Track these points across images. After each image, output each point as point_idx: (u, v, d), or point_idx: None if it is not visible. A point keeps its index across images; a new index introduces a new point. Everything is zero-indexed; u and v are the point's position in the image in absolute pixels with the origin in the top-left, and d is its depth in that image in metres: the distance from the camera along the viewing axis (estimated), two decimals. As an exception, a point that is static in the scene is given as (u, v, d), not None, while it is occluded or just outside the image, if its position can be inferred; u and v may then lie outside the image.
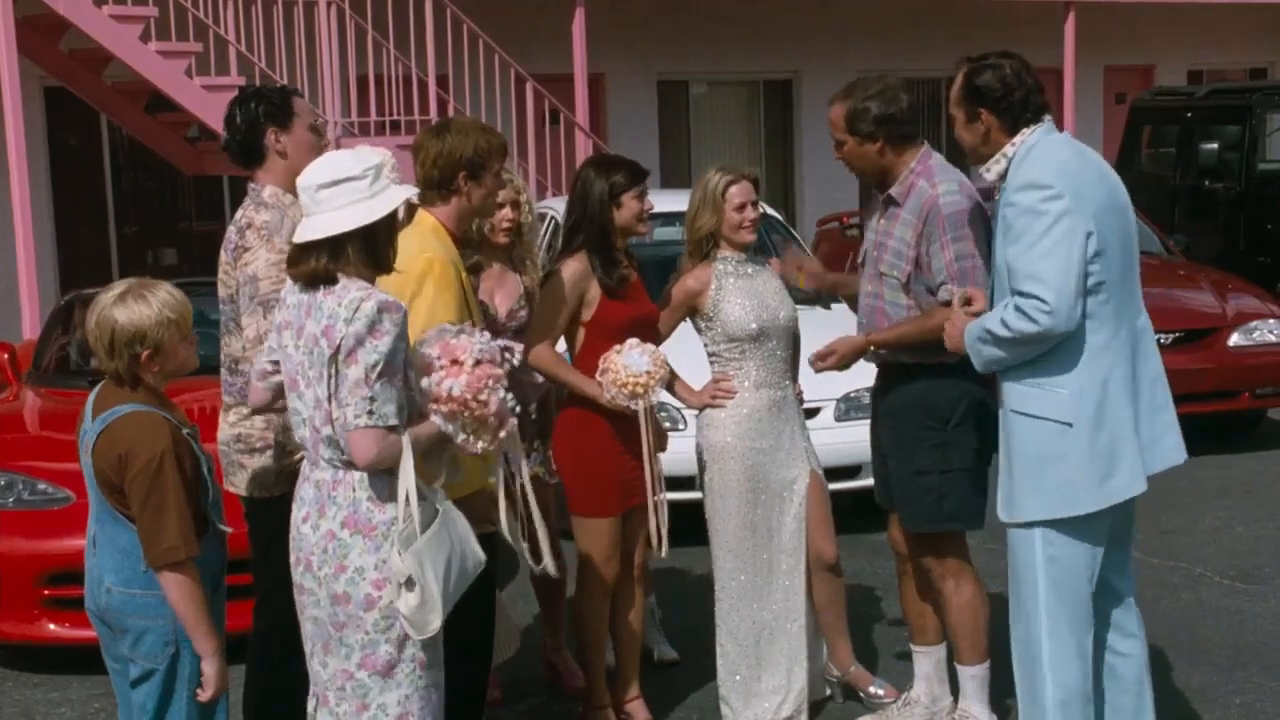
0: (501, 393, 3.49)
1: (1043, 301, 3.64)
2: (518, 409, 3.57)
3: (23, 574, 5.52)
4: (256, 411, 3.77)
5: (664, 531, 4.64)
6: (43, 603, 5.53)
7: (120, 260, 13.66)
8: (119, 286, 3.52)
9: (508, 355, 3.58)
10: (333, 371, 3.31)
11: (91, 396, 3.58)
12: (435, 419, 3.44)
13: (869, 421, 4.76)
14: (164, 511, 3.38)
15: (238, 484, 4.14)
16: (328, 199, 3.36)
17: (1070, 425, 3.74)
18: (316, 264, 3.36)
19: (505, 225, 4.89)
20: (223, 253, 4.17)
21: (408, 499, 3.35)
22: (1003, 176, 3.88)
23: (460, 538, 3.47)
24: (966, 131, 3.95)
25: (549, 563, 4.07)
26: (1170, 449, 3.92)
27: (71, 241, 13.50)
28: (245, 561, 4.18)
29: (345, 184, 3.36)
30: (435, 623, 3.37)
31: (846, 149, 4.44)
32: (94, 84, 11.47)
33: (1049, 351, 3.74)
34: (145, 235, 14.25)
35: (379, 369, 3.28)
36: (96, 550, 3.54)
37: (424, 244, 3.92)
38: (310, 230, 3.37)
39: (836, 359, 4.51)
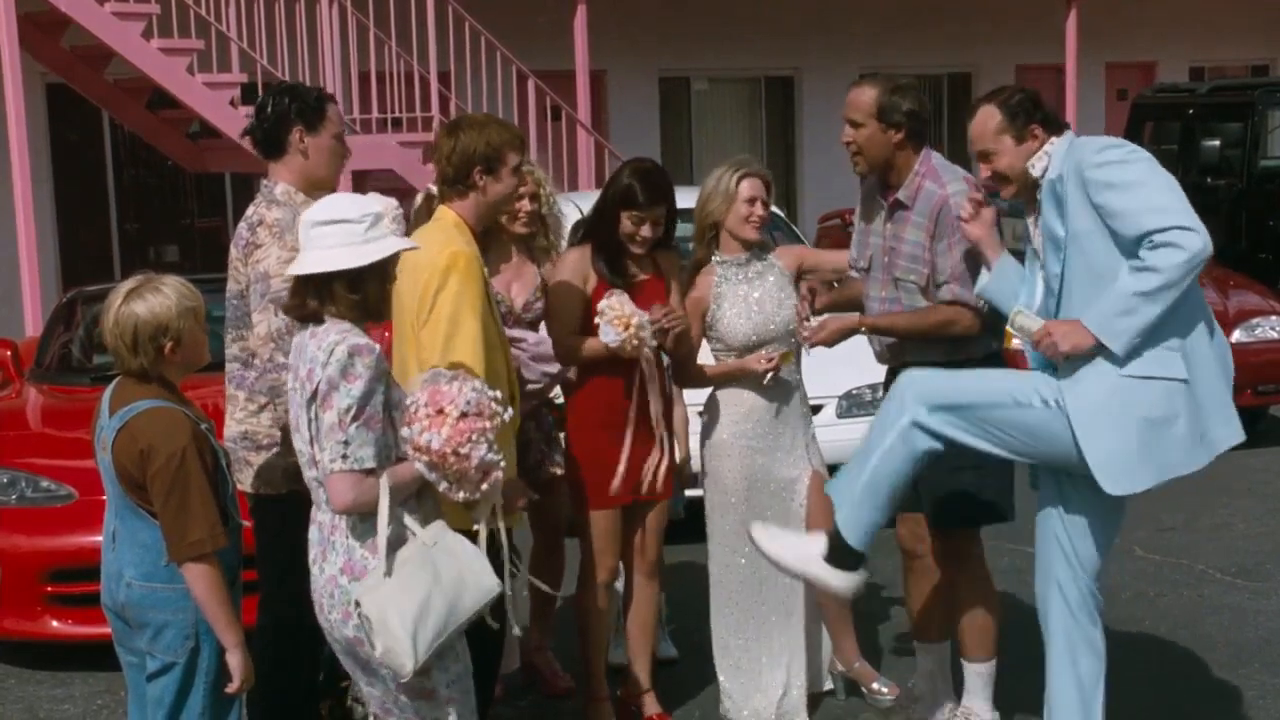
0: (484, 448, 3.39)
1: (1182, 228, 3.66)
2: (503, 464, 3.47)
3: (26, 571, 5.53)
4: None
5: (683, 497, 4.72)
6: (46, 599, 5.54)
7: (122, 256, 13.68)
8: (128, 284, 3.52)
9: (500, 410, 3.47)
10: (312, 415, 3.32)
11: (108, 393, 3.59)
12: (418, 465, 3.39)
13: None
14: (188, 506, 3.40)
15: (243, 480, 4.14)
16: (319, 237, 3.37)
17: (1186, 381, 3.77)
18: (305, 302, 3.39)
19: (523, 215, 4.91)
20: (233, 248, 4.18)
21: (383, 545, 3.31)
22: (1045, 171, 3.92)
23: (460, 569, 3.41)
24: (1016, 155, 3.95)
25: (512, 620, 3.84)
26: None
27: (73, 238, 13.51)
28: (249, 558, 4.19)
29: (339, 225, 3.36)
30: (407, 666, 3.30)
31: (865, 132, 4.40)
32: (96, 80, 11.48)
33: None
34: (147, 232, 14.27)
35: (353, 413, 3.28)
36: (116, 545, 3.56)
37: (448, 238, 3.93)
38: (300, 265, 3.39)
39: (826, 335, 4.54)
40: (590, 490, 4.64)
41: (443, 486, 3.42)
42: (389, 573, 3.32)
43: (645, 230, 4.58)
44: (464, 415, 3.37)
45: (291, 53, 10.75)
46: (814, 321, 4.62)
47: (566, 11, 12.35)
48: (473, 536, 3.54)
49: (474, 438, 3.37)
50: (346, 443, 3.28)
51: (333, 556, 3.40)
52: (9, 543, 5.58)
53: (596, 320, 4.51)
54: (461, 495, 3.44)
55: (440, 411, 3.37)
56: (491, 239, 4.78)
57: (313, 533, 3.49)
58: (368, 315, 3.45)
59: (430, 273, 3.81)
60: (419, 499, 3.46)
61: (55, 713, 5.32)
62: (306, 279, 3.38)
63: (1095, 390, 3.78)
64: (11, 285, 10.26)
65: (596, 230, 4.65)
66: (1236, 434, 3.89)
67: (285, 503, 3.98)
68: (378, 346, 3.39)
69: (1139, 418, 3.77)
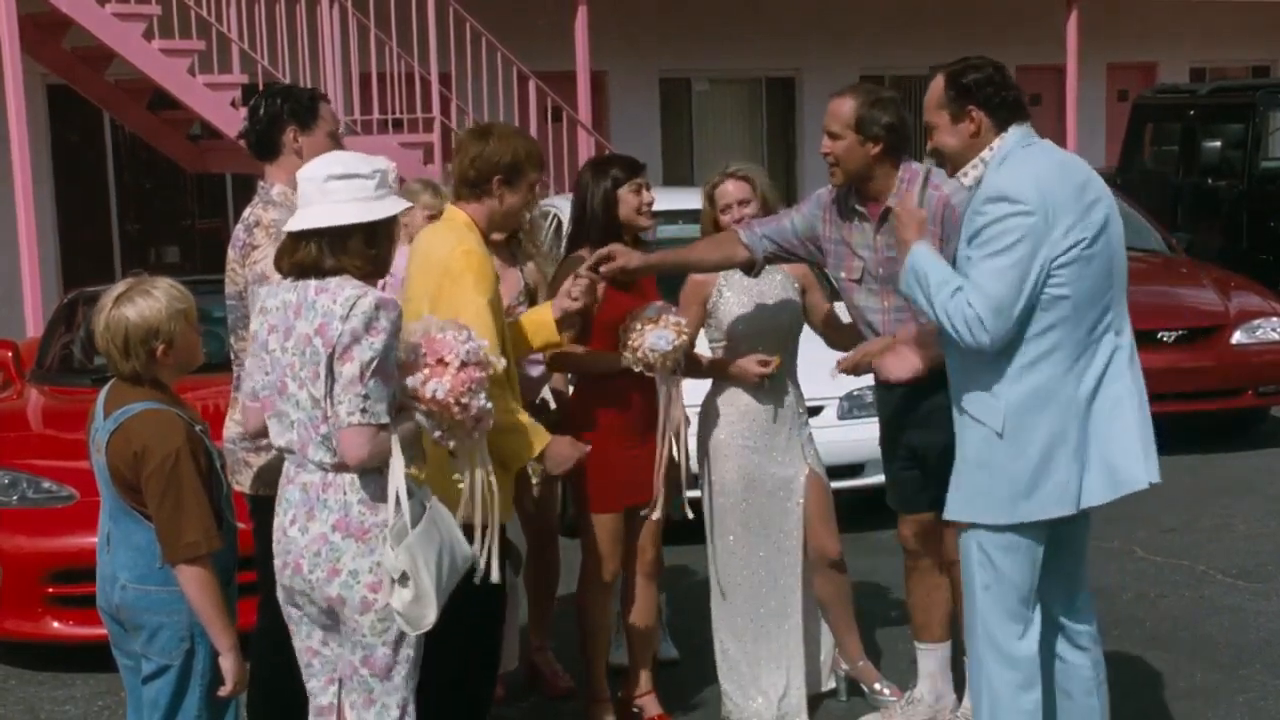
0: (482, 397, 3.49)
1: (981, 320, 3.60)
2: (492, 413, 3.57)
3: (27, 572, 5.53)
4: (254, 436, 3.76)
5: (683, 496, 4.68)
6: (47, 600, 5.53)
7: (122, 257, 13.67)
8: (119, 287, 3.53)
9: (494, 358, 3.57)
10: (329, 370, 3.31)
11: (102, 395, 3.59)
12: (417, 415, 3.45)
13: (874, 422, 4.73)
14: (182, 507, 3.39)
15: (243, 481, 4.15)
16: (335, 190, 3.37)
17: (1000, 435, 3.70)
18: (315, 252, 3.37)
19: None
20: (230, 250, 4.18)
21: (397, 496, 3.35)
22: (979, 182, 3.80)
23: (448, 533, 3.47)
24: (952, 134, 3.83)
25: (494, 573, 3.80)
26: (1132, 473, 3.77)
27: (74, 239, 13.51)
28: (249, 559, 4.19)
29: (355, 179, 3.38)
30: (430, 617, 3.37)
31: (844, 144, 4.38)
32: (97, 81, 11.48)
33: (998, 357, 3.69)
34: (148, 233, 14.27)
35: (374, 367, 3.28)
36: (110, 548, 3.56)
37: (460, 237, 3.96)
38: (312, 218, 3.37)
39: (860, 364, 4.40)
40: (594, 493, 4.63)
41: (436, 435, 3.49)
42: (412, 525, 3.35)
43: (647, 194, 4.64)
44: (464, 365, 3.45)
45: (292, 54, 10.75)
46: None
47: (567, 12, 12.35)
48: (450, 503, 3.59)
49: (473, 387, 3.45)
50: (366, 396, 3.28)
51: (323, 514, 3.38)
52: (10, 543, 5.58)
53: (635, 326, 4.47)
54: (452, 444, 3.53)
55: (441, 361, 3.44)
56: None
57: (292, 494, 3.45)
58: (377, 270, 3.47)
59: (441, 271, 3.83)
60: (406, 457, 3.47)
61: (56, 713, 5.32)
62: (315, 233, 3.37)
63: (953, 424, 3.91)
64: (12, 286, 10.26)
65: (590, 232, 4.62)
66: (1054, 506, 3.73)
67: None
68: (399, 302, 3.41)
69: (962, 455, 3.83)
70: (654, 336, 4.45)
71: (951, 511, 3.89)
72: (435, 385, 3.41)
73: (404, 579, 3.33)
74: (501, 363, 3.66)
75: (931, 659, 4.76)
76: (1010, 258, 3.61)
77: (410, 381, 3.43)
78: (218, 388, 4.29)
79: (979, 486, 3.78)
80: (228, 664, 3.48)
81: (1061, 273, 3.64)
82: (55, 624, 5.54)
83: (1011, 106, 3.80)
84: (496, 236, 4.82)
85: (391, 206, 3.43)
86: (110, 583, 3.55)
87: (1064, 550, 3.93)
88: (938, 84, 3.87)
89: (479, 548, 3.72)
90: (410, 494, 3.38)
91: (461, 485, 3.70)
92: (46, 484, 5.75)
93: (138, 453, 3.42)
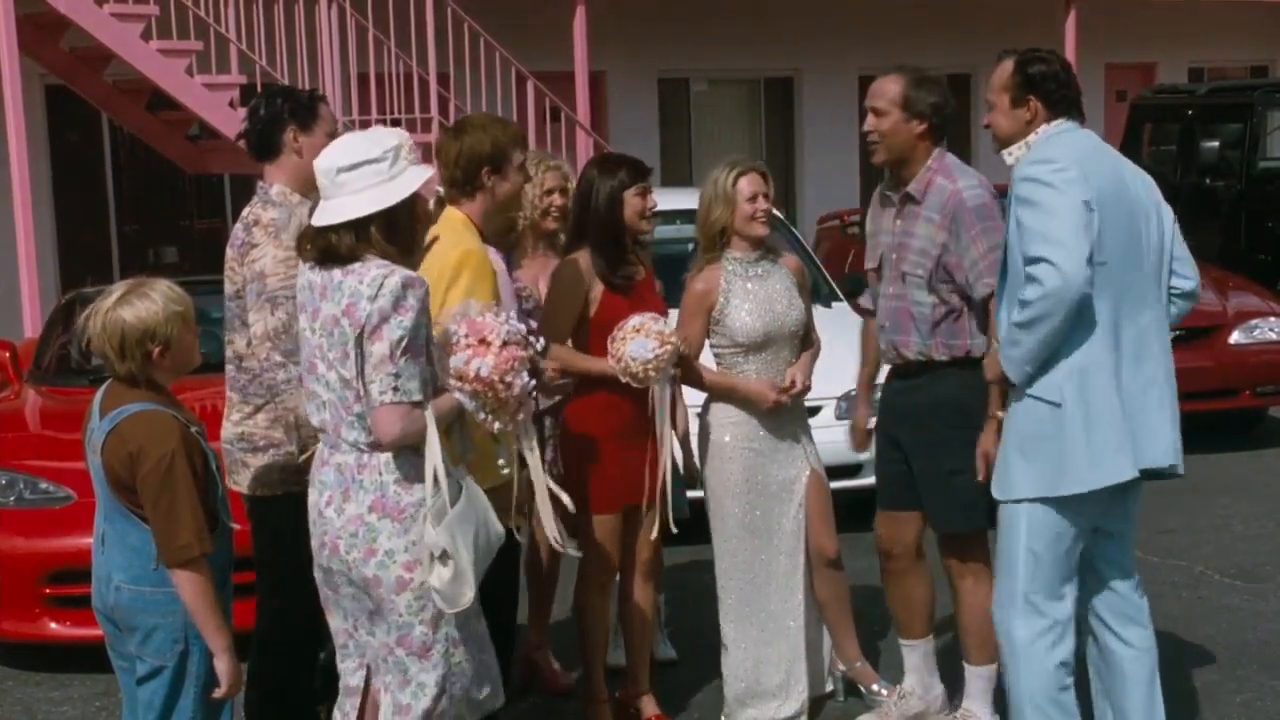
0: (525, 376, 3.53)
1: (1050, 263, 3.65)
2: (536, 394, 3.60)
3: (24, 573, 5.53)
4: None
5: (669, 513, 4.64)
6: (44, 601, 5.53)
7: (121, 258, 13.66)
8: (118, 289, 3.53)
9: (532, 339, 3.61)
10: (358, 350, 3.32)
11: (98, 395, 3.59)
12: (458, 395, 3.47)
13: (872, 421, 4.75)
14: (177, 509, 3.40)
15: (241, 482, 4.15)
16: (348, 182, 3.38)
17: (1059, 405, 3.78)
18: (337, 241, 3.38)
19: (555, 212, 4.95)
20: (229, 249, 4.19)
21: (435, 475, 3.37)
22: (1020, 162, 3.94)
23: (482, 512, 3.51)
24: (1008, 117, 3.98)
25: (561, 540, 4.01)
26: (1159, 452, 3.92)
27: (72, 240, 13.50)
28: (247, 560, 4.19)
29: (365, 166, 3.38)
30: (468, 594, 3.41)
31: (889, 121, 4.43)
32: (95, 82, 11.47)
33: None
34: (146, 233, 14.26)
35: (404, 345, 3.31)
36: (105, 548, 3.56)
37: (459, 237, 3.97)
38: (331, 213, 3.39)
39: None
40: (593, 493, 4.62)
41: (480, 416, 3.51)
42: (451, 503, 3.37)
43: (651, 199, 4.65)
44: (506, 344, 3.49)
45: (290, 54, 10.73)
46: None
47: (565, 13, 12.35)
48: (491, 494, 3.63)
49: (516, 365, 3.49)
50: (397, 375, 3.31)
51: (359, 495, 3.41)
52: (8, 544, 5.57)
53: (622, 335, 4.46)
54: (496, 425, 3.56)
55: (483, 341, 3.48)
56: (523, 235, 4.89)
57: (327, 475, 3.49)
58: (404, 249, 3.47)
59: (441, 269, 3.85)
60: (446, 438, 3.48)
61: (54, 714, 5.32)
62: (335, 224, 3.37)
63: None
64: (10, 287, 10.25)
65: (591, 231, 4.62)
66: (1124, 471, 3.85)
67: (283, 504, 3.98)
68: (426, 280, 3.42)
69: (1014, 431, 3.89)
70: (634, 345, 4.42)
71: (1012, 489, 3.89)
72: (480, 364, 3.45)
73: (444, 557, 3.36)
74: (540, 344, 3.71)
75: (915, 654, 4.82)
76: (1061, 203, 3.70)
77: (454, 361, 3.47)
78: (216, 388, 4.28)
79: (1041, 458, 3.82)
80: (222, 666, 3.48)
81: (1096, 236, 3.73)
82: (52, 625, 5.53)
83: (1068, 104, 3.96)
84: (551, 225, 4.92)
85: (407, 185, 3.42)
86: (105, 583, 3.55)
87: (1115, 536, 4.04)
88: (1005, 67, 4.01)
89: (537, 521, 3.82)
90: (447, 473, 3.40)
91: (506, 470, 3.74)
92: (44, 484, 5.75)
93: (133, 454, 3.42)
